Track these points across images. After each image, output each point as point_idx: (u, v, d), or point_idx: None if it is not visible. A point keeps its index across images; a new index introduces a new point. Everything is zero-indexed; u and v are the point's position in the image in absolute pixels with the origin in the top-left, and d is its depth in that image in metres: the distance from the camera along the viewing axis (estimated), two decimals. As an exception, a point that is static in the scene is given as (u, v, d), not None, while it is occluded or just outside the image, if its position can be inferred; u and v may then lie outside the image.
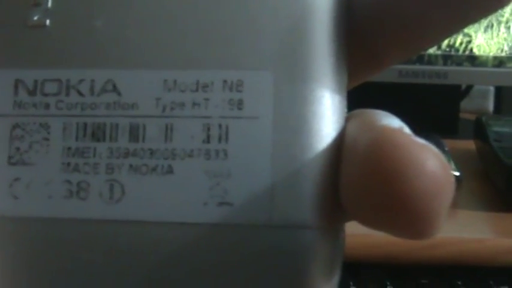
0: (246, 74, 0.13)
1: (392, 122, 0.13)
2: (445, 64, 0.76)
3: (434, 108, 0.81)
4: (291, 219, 0.13)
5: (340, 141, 0.13)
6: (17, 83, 0.14)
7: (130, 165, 0.13)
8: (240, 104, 0.13)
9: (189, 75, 0.13)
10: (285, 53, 0.13)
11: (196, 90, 0.13)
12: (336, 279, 0.14)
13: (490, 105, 0.90)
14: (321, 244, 0.13)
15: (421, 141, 0.12)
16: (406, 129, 0.13)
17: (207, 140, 0.13)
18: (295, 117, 0.13)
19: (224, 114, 0.13)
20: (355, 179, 0.12)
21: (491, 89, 0.89)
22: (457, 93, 0.83)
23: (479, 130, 0.70)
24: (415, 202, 0.12)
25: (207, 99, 0.13)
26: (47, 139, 0.14)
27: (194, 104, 0.13)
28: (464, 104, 0.84)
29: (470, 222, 0.57)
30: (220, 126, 0.13)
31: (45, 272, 0.13)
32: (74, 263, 0.13)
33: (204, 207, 0.13)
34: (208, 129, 0.13)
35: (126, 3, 0.14)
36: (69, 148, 0.13)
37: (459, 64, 0.76)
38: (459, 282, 0.53)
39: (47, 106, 0.14)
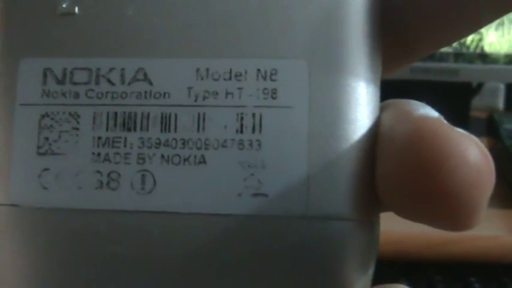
0: (280, 62, 0.13)
1: (430, 112, 0.13)
2: (456, 61, 0.76)
3: (445, 105, 0.80)
4: (327, 210, 0.13)
5: (375, 131, 0.13)
6: (46, 72, 0.14)
7: (162, 155, 0.13)
8: (274, 93, 0.13)
9: (222, 63, 0.13)
10: (319, 42, 0.13)
11: (230, 79, 0.13)
12: (371, 271, 0.13)
13: (500, 103, 0.89)
14: (356, 236, 0.13)
15: (461, 130, 0.12)
16: (444, 120, 0.12)
17: (241, 129, 0.13)
18: (330, 107, 0.13)
19: (258, 103, 0.13)
20: (394, 169, 0.12)
21: (502, 86, 0.89)
22: (468, 90, 0.82)
23: (491, 127, 0.69)
24: (457, 193, 0.11)
25: (240, 88, 0.13)
26: (76, 129, 0.13)
27: (227, 93, 0.13)
28: (475, 101, 0.84)
29: (483, 219, 0.56)
30: (254, 115, 0.13)
31: (75, 264, 0.13)
32: (104, 254, 0.13)
33: (238, 198, 0.13)
34: (242, 118, 0.13)
35: None
36: (99, 138, 0.13)
37: (470, 62, 0.76)
38: (472, 279, 0.53)
39: (77, 95, 0.13)
